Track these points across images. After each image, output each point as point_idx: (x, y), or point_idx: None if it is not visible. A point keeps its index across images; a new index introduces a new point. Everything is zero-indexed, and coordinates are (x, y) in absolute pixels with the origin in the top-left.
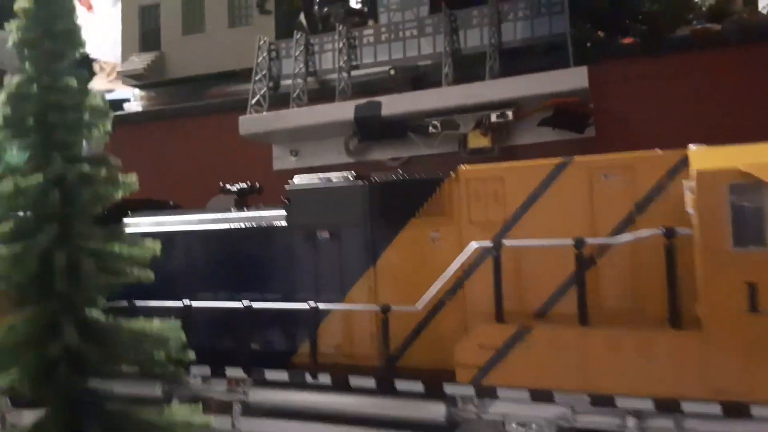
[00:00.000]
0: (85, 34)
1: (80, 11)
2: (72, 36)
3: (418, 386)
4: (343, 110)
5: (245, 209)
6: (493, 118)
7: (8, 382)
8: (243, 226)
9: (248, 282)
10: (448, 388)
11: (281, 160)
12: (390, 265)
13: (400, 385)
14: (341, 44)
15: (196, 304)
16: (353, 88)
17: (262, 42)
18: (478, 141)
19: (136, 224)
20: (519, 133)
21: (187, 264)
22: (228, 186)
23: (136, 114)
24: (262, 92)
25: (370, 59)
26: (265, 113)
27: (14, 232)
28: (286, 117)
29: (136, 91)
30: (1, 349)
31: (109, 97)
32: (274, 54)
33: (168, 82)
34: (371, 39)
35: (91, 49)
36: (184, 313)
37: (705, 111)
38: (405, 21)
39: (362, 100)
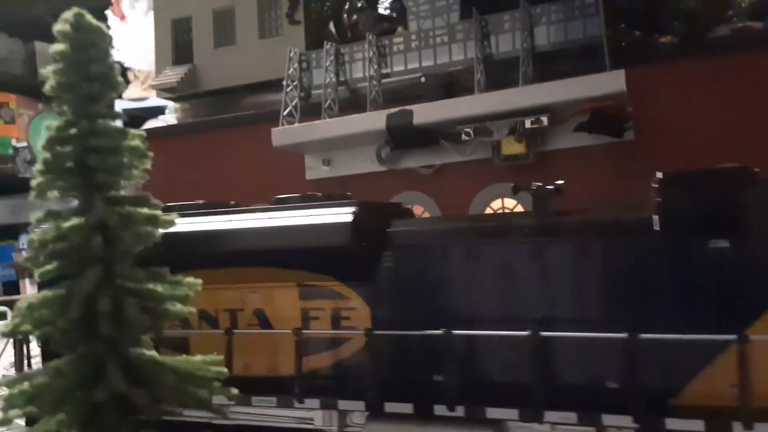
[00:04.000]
0: (119, 44)
1: (113, 21)
2: (108, 78)
3: None
4: (375, 120)
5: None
6: (528, 124)
7: (55, 426)
8: (574, 236)
9: (577, 305)
10: None
11: (314, 170)
12: None
13: None
14: (371, 53)
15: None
16: (384, 96)
17: (292, 53)
18: (512, 148)
19: (412, 234)
20: (554, 138)
21: (478, 285)
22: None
23: (170, 127)
24: (294, 103)
25: (401, 67)
26: (297, 124)
27: (58, 271)
28: (318, 128)
29: (171, 103)
30: (48, 393)
31: (142, 105)
32: (305, 65)
33: (201, 94)
34: (401, 47)
35: (125, 58)
36: (521, 345)
37: (749, 115)
38: (435, 27)
39: (394, 109)
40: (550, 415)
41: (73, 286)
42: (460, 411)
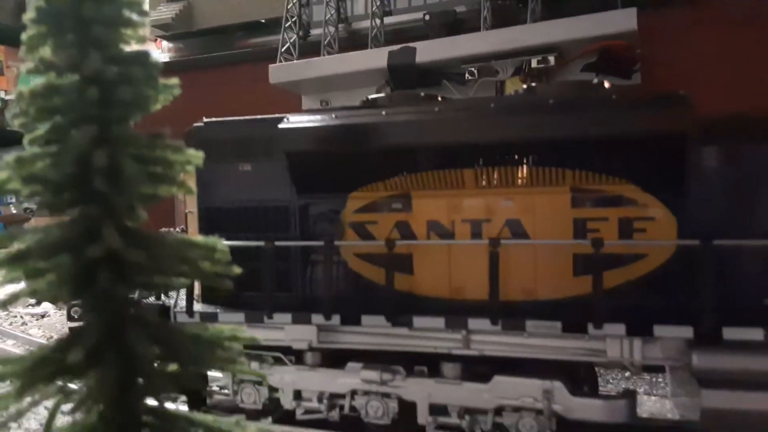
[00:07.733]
0: None
1: None
2: None
3: None
4: (376, 57)
5: None
6: (534, 63)
7: (44, 286)
8: None
9: None
10: None
11: None
12: None
13: None
14: None
15: None
16: (385, 36)
17: None
18: (516, 89)
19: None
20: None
21: None
22: None
23: (164, 64)
24: (292, 40)
25: (404, 4)
26: (295, 61)
27: (50, 134)
28: (316, 65)
29: (164, 42)
30: (37, 251)
31: None
32: (304, 0)
33: (196, 33)
34: None
35: None
36: None
37: (758, 62)
38: None
39: (396, 47)
40: None
41: (67, 139)
42: None
